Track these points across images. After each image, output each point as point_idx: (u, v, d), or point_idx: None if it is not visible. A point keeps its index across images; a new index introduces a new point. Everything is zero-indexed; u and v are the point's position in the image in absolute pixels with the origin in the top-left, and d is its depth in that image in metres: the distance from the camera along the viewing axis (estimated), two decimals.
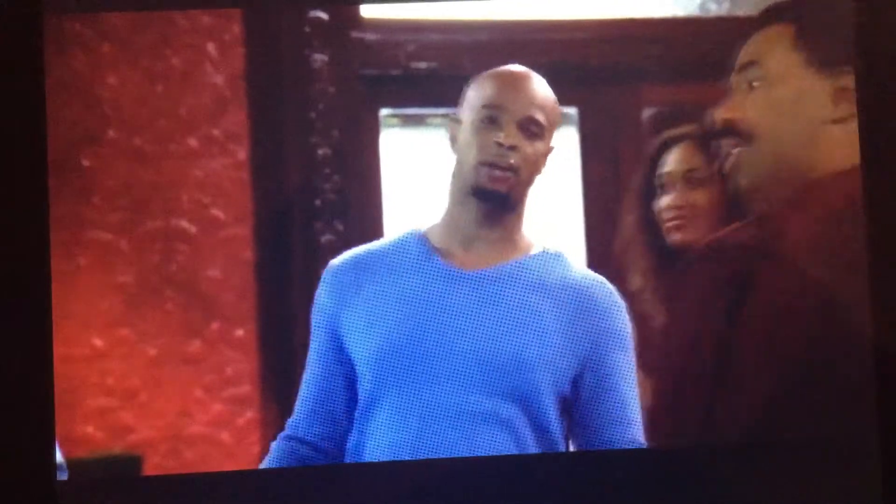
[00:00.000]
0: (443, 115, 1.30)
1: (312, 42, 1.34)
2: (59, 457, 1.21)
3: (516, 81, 1.26)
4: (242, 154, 1.34)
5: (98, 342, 1.28)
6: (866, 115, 1.23)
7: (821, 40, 1.19)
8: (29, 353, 1.19)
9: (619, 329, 1.24)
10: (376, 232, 1.30)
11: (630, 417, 1.23)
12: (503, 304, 1.23)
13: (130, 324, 1.29)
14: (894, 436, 1.21)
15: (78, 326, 1.28)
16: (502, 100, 1.25)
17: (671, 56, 1.27)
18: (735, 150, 1.23)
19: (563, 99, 1.34)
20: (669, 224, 1.31)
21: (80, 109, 1.30)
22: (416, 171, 1.32)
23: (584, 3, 1.33)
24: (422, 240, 1.27)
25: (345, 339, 1.25)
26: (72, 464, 1.23)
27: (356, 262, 1.27)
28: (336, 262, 1.28)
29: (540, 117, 1.25)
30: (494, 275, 1.24)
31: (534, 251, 1.26)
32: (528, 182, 1.25)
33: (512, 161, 1.24)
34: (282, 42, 1.34)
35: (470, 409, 1.20)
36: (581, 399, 1.23)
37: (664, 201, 1.32)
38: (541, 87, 1.26)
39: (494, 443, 1.21)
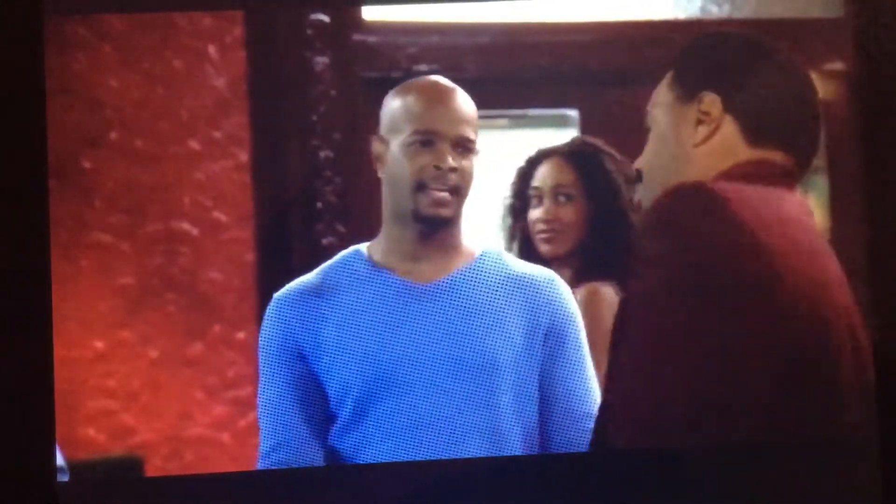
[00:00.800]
0: None
1: (314, 44, 1.34)
2: (59, 459, 1.21)
3: (443, 99, 1.24)
4: (244, 156, 1.34)
5: (99, 344, 1.28)
6: (867, 115, 1.24)
7: (687, 75, 1.23)
8: (30, 355, 1.19)
9: (572, 314, 1.26)
10: (376, 234, 1.30)
11: (591, 394, 1.25)
12: (468, 311, 1.23)
13: (131, 326, 1.29)
14: (894, 436, 1.21)
15: (79, 328, 1.27)
16: (433, 122, 1.22)
17: (672, 59, 1.27)
18: (637, 194, 1.28)
19: (564, 101, 1.35)
20: (539, 236, 1.36)
21: (80, 111, 1.30)
22: None
23: (585, 5, 1.34)
24: (366, 260, 1.25)
25: (316, 365, 1.23)
26: (73, 466, 1.22)
27: (312, 290, 1.24)
28: (287, 293, 1.24)
29: (471, 133, 1.23)
30: (450, 284, 1.24)
31: (477, 254, 1.26)
32: (467, 195, 1.25)
33: (453, 182, 1.23)
34: (283, 44, 1.34)
35: (456, 417, 1.21)
36: (545, 385, 1.24)
37: (535, 214, 1.36)
38: (465, 101, 1.24)
39: (482, 447, 1.21)
